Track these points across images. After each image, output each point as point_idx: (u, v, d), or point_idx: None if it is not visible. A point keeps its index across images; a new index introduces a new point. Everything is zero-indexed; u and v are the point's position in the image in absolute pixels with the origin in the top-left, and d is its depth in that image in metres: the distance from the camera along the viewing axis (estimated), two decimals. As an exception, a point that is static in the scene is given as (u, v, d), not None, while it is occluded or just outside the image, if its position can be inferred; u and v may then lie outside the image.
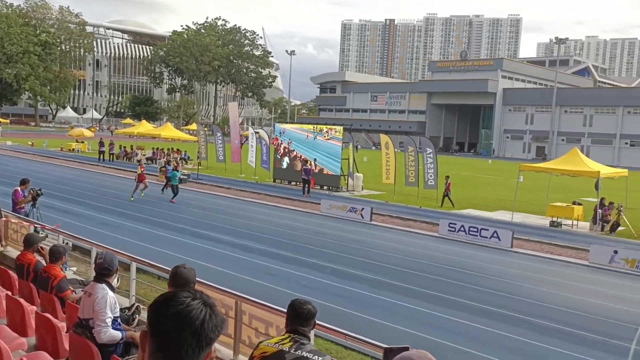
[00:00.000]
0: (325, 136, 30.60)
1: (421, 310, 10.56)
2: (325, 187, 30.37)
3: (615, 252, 15.48)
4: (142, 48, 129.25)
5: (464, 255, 15.96)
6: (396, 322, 9.68)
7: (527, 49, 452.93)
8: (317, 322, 4.07)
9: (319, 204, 22.99)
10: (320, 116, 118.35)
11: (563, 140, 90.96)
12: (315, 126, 33.43)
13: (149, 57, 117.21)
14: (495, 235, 17.62)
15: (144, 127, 50.36)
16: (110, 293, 5.11)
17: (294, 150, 32.15)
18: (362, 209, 21.26)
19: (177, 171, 24.26)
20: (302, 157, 30.99)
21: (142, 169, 23.98)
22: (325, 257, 14.50)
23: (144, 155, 44.62)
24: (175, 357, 1.51)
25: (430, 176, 27.53)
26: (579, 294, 12.64)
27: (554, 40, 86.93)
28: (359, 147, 76.10)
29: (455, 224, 18.75)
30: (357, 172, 31.20)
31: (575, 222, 22.28)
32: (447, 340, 8.90)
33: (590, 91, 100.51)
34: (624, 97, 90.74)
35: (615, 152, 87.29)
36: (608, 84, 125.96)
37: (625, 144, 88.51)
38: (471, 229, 18.27)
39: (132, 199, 22.81)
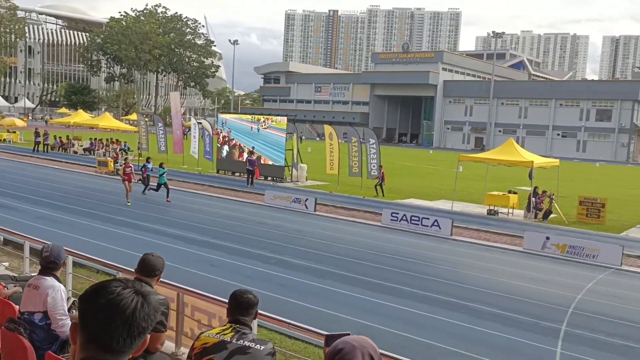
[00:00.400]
0: (262, 125, 30.66)
1: (364, 298, 10.73)
2: (269, 178, 30.30)
3: (547, 238, 16.20)
4: (78, 35, 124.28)
5: (406, 244, 16.31)
6: (340, 310, 9.81)
7: (467, 42, 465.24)
8: (261, 312, 4.08)
9: (263, 194, 22.91)
10: (264, 107, 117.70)
11: (500, 131, 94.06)
12: (253, 116, 33.39)
13: (86, 45, 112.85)
14: (435, 224, 18.08)
15: (81, 116, 48.63)
16: (62, 286, 5.00)
17: (233, 138, 32.00)
18: (307, 199, 21.34)
19: (163, 168, 21.55)
20: (248, 149, 30.75)
21: (130, 168, 21.08)
22: (270, 248, 14.50)
23: (81, 146, 43.12)
24: (106, 347, 1.48)
25: (374, 166, 27.90)
26: (513, 279, 13.16)
27: (492, 35, 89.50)
28: (303, 137, 76.03)
29: (397, 214, 19.11)
30: (301, 162, 31.26)
31: (510, 211, 23.14)
32: (390, 326, 9.09)
33: (525, 84, 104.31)
34: (556, 90, 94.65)
35: (548, 143, 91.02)
36: (542, 77, 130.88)
37: (557, 135, 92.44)
38: (413, 218, 18.68)
39: (129, 203, 20.15)
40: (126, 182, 20.58)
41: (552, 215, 22.03)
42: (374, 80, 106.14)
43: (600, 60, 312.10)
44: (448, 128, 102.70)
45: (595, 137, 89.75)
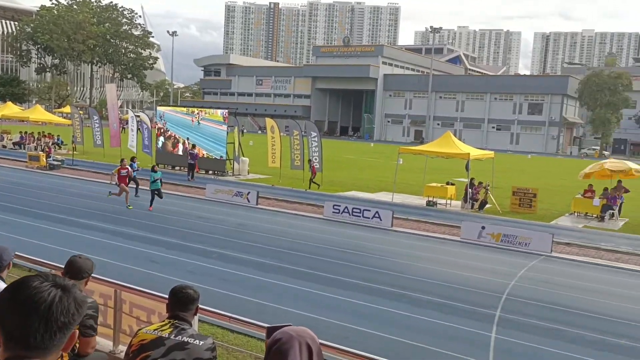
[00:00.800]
0: (196, 117, 30.39)
1: (307, 290, 10.80)
2: (210, 172, 29.90)
3: (483, 227, 16.77)
4: (6, 23, 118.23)
5: (348, 236, 16.49)
6: (283, 303, 9.83)
7: (406, 36, 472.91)
8: (202, 306, 4.03)
9: (204, 188, 22.60)
10: (205, 100, 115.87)
11: (438, 124, 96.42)
12: (188, 109, 33.03)
13: (14, 34, 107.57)
14: (377, 215, 18.37)
15: (10, 109, 46.34)
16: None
17: (168, 130, 31.52)
18: (249, 193, 21.20)
19: (156, 172, 18.94)
20: (189, 142, 30.23)
21: (126, 170, 19.17)
22: (212, 242, 14.34)
23: (10, 140, 41.16)
24: (25, 344, 1.42)
25: (316, 159, 28.01)
26: (451, 267, 13.55)
27: (430, 30, 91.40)
28: (244, 131, 75.44)
29: (339, 206, 19.29)
30: (243, 156, 31.02)
31: (448, 202, 23.80)
32: (333, 317, 9.19)
33: (462, 78, 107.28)
34: (490, 84, 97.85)
35: (483, 135, 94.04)
36: (477, 72, 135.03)
37: (492, 128, 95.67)
38: (354, 210, 18.90)
39: (130, 207, 18.57)
40: (122, 185, 18.78)
41: (487, 206, 22.80)
42: (315, 74, 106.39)
43: (531, 55, 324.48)
44: (388, 121, 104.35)
45: (527, 130, 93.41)
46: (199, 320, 5.51)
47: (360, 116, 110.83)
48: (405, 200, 24.21)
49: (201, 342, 2.95)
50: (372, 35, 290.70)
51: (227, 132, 29.71)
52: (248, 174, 30.51)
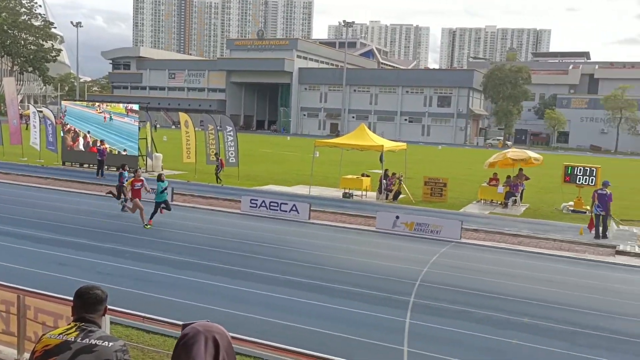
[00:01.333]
0: (97, 110, 29.45)
1: (226, 286, 10.70)
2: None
3: (397, 217, 17.31)
4: None
5: (266, 230, 16.47)
6: (202, 300, 9.68)
7: (320, 30, 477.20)
8: (113, 307, 3.90)
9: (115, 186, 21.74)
10: (115, 94, 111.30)
11: (353, 117, 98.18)
12: (89, 103, 31.92)
13: None
14: (294, 208, 18.47)
15: None
16: None
17: (67, 123, 30.26)
18: (163, 189, 20.60)
19: (163, 181, 16.44)
20: (89, 135, 28.97)
21: (141, 182, 16.15)
22: (124, 242, 13.86)
23: None
24: None
25: (231, 154, 27.72)
26: (367, 257, 13.88)
27: (343, 24, 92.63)
28: (157, 126, 73.28)
29: (256, 200, 19.21)
30: (156, 152, 30.16)
31: (364, 193, 24.33)
32: (251, 312, 9.17)
33: (375, 72, 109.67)
34: (402, 78, 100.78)
35: (397, 128, 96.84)
36: (390, 65, 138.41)
37: (405, 120, 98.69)
38: (272, 204, 18.90)
39: (149, 226, 15.88)
40: (136, 201, 16.02)
41: (401, 196, 23.52)
42: (229, 67, 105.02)
43: (440, 50, 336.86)
44: (304, 114, 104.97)
45: (437, 122, 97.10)
46: (111, 323, 5.32)
47: (276, 110, 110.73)
48: (322, 193, 24.49)
49: (110, 344, 2.86)
50: (286, 29, 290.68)
51: (139, 128, 28.75)
52: (162, 170, 29.67)
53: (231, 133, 28.04)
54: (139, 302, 8.82)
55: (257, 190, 24.01)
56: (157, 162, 29.71)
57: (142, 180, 16.16)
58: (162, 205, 16.32)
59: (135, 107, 29.03)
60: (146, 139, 28.98)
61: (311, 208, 18.54)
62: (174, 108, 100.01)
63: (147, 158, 29.35)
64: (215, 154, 27.15)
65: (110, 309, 3.43)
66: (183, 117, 30.29)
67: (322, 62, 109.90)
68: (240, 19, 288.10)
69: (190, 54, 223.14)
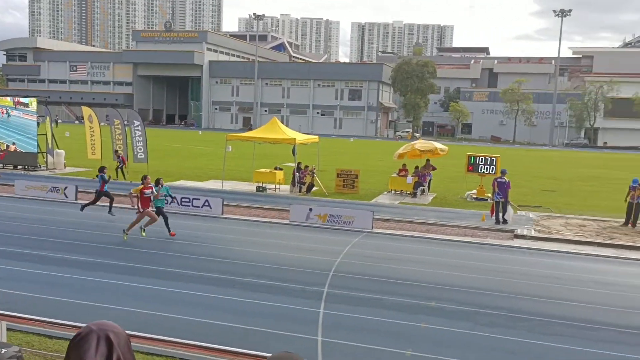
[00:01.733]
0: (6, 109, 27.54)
1: (136, 285, 10.37)
2: (19, 167, 27.14)
3: (311, 210, 17.50)
4: None
5: (178, 226, 16.05)
6: (110, 301, 9.34)
7: (230, 23, 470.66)
8: (11, 313, 3.70)
9: (13, 185, 20.48)
10: (10, 87, 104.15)
11: (266, 110, 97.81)
12: None
13: None
14: (206, 204, 18.21)
15: None
16: None
17: None
18: (66, 187, 19.68)
19: (164, 186, 14.81)
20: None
21: (150, 189, 14.32)
22: (24, 244, 13.09)
23: None
24: None
25: (140, 149, 26.82)
26: (282, 250, 13.96)
27: (253, 17, 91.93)
28: (59, 121, 69.50)
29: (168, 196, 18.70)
30: (58, 148, 28.63)
31: (277, 186, 24.36)
32: (164, 311, 8.96)
33: (287, 65, 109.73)
34: (314, 71, 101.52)
35: (309, 121, 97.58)
36: (301, 59, 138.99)
37: (317, 114, 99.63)
38: (183, 199, 18.53)
39: (174, 233, 14.51)
40: (148, 211, 14.24)
41: (314, 188, 23.78)
42: (136, 60, 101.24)
43: (350, 44, 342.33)
44: (216, 108, 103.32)
45: (349, 115, 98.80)
46: (8, 329, 5.02)
47: (187, 104, 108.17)
48: (236, 187, 24.28)
49: (4, 351, 2.72)
50: (195, 21, 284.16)
51: (38, 123, 27.15)
52: (65, 167, 28.24)
53: (139, 128, 27.10)
54: (42, 306, 8.39)
55: (169, 185, 23.35)
56: (58, 158, 28.24)
57: (151, 187, 14.42)
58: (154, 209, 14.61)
59: (25, 100, 27.29)
60: (46, 134, 27.43)
61: (224, 203, 18.35)
62: (76, 102, 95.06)
63: (48, 155, 27.80)
64: (115, 151, 26.10)
65: (6, 315, 3.25)
66: (86, 111, 28.90)
67: (233, 55, 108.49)
68: (147, 10, 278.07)
69: (94, 46, 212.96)
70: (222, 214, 17.97)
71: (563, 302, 10.55)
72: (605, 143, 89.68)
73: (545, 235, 16.74)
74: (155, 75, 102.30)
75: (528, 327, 9.16)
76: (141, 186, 14.31)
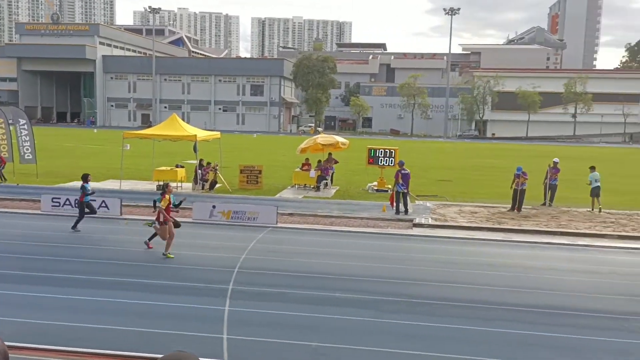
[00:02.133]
0: None
1: (25, 294, 9.71)
2: None
3: (214, 207, 17.22)
4: None
5: (71, 230, 15.26)
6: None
7: (124, 16, 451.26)
8: None
9: None
10: None
11: (166, 107, 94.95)
12: None
13: None
14: (104, 205, 17.38)
15: None
16: None
17: None
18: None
19: (169, 192, 13.30)
20: None
21: (169, 202, 12.97)
22: None
23: None
24: None
25: (27, 149, 25.13)
26: (184, 249, 13.56)
27: (149, 10, 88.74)
28: None
29: (59, 199, 17.73)
30: None
31: (179, 184, 23.73)
32: (61, 320, 8.48)
33: (186, 61, 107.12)
34: (214, 67, 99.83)
35: (211, 117, 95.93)
36: (201, 54, 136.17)
37: (219, 109, 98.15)
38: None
39: (171, 256, 12.56)
40: (171, 225, 12.79)
41: (217, 185, 23.42)
42: (20, 54, 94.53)
43: (250, 39, 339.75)
44: (112, 105, 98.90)
45: (251, 110, 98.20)
46: None
47: (79, 101, 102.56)
48: (135, 187, 23.39)
49: None
50: (85, 13, 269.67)
51: None
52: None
53: (25, 127, 25.37)
54: None
55: (60, 187, 22.07)
56: None
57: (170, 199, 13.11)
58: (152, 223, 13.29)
59: None
60: None
61: (123, 203, 17.62)
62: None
63: None
64: None
65: None
66: (-36, 110, 26.59)
67: (128, 49, 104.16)
68: (31, 1, 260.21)
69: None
70: (121, 215, 17.24)
71: (460, 285, 11.13)
72: (494, 134, 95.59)
73: (442, 223, 17.57)
74: (43, 70, 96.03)
75: (428, 312, 9.58)
76: (167, 196, 13.08)
